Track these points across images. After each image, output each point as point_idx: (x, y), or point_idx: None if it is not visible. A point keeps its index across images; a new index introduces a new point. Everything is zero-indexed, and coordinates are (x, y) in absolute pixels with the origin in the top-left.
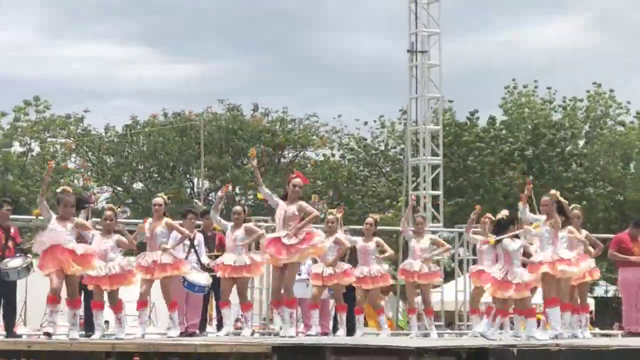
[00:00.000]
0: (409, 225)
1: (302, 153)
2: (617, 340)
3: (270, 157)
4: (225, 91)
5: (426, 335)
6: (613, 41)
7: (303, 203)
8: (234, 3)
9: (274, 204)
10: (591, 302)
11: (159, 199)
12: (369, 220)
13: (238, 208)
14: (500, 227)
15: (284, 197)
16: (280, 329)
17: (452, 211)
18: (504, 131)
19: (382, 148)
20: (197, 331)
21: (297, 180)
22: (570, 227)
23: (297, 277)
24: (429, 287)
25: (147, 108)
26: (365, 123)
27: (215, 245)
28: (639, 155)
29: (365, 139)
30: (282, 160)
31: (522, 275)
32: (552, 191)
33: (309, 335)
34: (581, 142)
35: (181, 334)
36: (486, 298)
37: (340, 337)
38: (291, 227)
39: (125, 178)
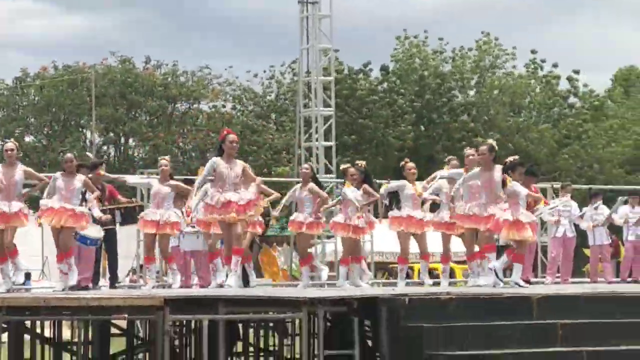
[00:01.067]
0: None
1: (195, 105)
2: (508, 288)
3: (164, 109)
4: (115, 44)
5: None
6: None
7: (244, 164)
8: None
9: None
10: None
11: (10, 144)
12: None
13: (165, 161)
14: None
15: (219, 154)
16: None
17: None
18: (397, 82)
19: (273, 99)
20: (90, 285)
21: (233, 137)
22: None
23: (190, 229)
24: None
25: (38, 61)
26: (256, 75)
27: (106, 197)
28: (530, 104)
29: (254, 91)
30: (175, 113)
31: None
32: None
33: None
34: (471, 93)
35: (72, 288)
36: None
37: (233, 289)
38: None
39: (17, 132)
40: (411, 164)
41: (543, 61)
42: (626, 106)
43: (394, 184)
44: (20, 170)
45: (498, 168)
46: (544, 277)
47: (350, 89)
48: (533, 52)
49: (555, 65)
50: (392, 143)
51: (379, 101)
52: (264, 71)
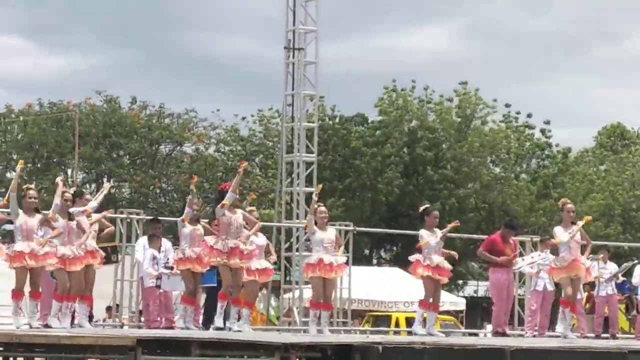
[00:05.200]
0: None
1: (178, 148)
2: (482, 339)
3: (147, 151)
4: (103, 84)
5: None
6: (488, 47)
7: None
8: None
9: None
10: (461, 302)
11: None
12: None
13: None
14: None
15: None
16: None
17: (340, 213)
18: (379, 130)
19: (259, 142)
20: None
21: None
22: None
23: (169, 271)
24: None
25: (23, 99)
26: (244, 118)
27: None
28: (506, 156)
29: (239, 133)
30: (159, 155)
31: None
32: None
33: None
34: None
35: (46, 326)
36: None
37: (208, 332)
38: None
39: (0, 167)
40: (322, 208)
41: (518, 113)
42: (609, 161)
43: (310, 230)
44: None
45: None
46: (522, 329)
47: (342, 137)
48: (507, 105)
49: (529, 116)
50: (381, 189)
51: (368, 152)
52: (252, 115)
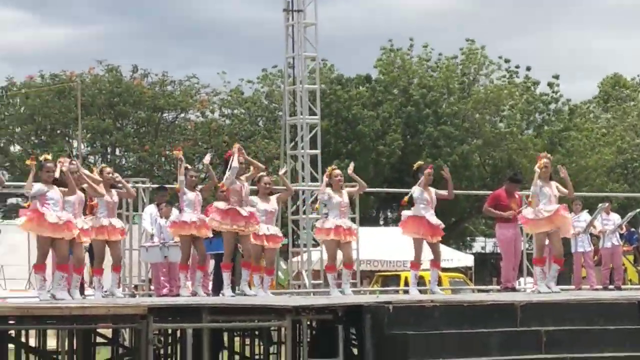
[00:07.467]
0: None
1: (182, 115)
2: (491, 295)
3: (151, 120)
4: (103, 54)
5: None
6: (488, 3)
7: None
8: None
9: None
10: (470, 258)
11: None
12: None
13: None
14: None
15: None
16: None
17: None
18: (382, 92)
19: (263, 104)
20: None
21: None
22: None
23: (151, 242)
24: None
25: (25, 72)
26: (249, 81)
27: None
28: (510, 112)
29: (242, 93)
30: (162, 122)
31: None
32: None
33: None
34: (455, 99)
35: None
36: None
37: (218, 297)
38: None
39: (3, 141)
40: (337, 171)
41: (517, 67)
42: (612, 111)
43: (324, 195)
44: None
45: None
46: (531, 284)
47: (344, 102)
48: (506, 60)
49: (528, 69)
50: (382, 151)
51: (371, 112)
52: (257, 77)
